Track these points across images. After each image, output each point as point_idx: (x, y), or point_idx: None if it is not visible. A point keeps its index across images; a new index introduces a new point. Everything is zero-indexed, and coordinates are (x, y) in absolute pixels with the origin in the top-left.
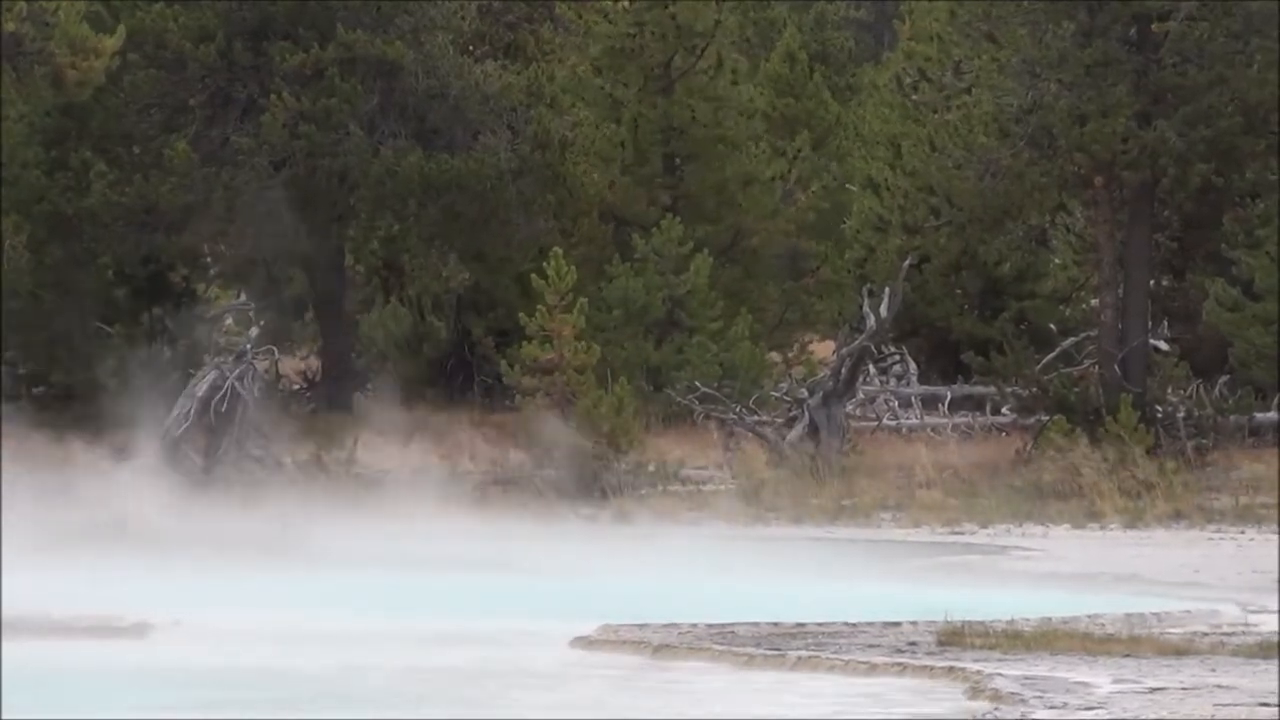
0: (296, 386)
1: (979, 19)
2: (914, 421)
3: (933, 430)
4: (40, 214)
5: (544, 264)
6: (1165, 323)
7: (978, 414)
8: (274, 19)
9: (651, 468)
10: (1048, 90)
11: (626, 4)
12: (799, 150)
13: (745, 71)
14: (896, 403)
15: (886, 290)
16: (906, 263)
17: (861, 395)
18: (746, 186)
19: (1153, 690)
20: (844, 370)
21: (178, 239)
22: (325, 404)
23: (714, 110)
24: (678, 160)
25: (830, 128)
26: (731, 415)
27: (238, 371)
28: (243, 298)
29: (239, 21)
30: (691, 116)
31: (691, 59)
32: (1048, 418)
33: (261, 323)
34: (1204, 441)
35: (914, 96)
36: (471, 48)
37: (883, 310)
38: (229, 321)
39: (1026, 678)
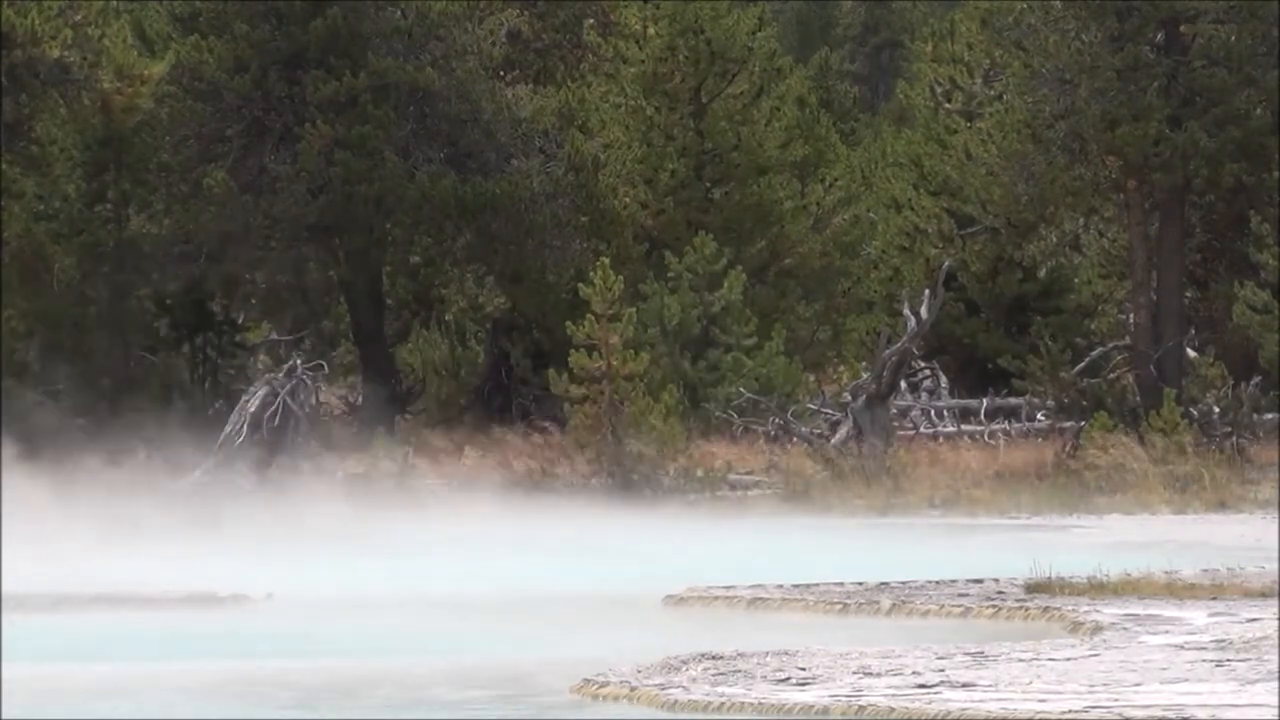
0: (338, 412)
1: (1010, 27)
2: (951, 429)
3: (970, 437)
4: (81, 245)
5: (580, 284)
6: (1193, 331)
7: (1013, 422)
8: (307, 49)
9: (700, 474)
10: (1079, 95)
11: (655, 30)
12: (836, 178)
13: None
14: (932, 413)
15: (926, 293)
16: (945, 264)
17: (895, 410)
18: (779, 208)
19: (1249, 621)
20: (886, 372)
21: (217, 268)
22: (367, 428)
23: (747, 133)
24: (709, 184)
25: (841, 171)
26: (769, 429)
27: (289, 387)
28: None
29: (273, 52)
30: (732, 144)
31: (724, 83)
32: (1084, 421)
33: (299, 356)
34: (1243, 439)
35: (947, 105)
36: (502, 73)
37: (924, 312)
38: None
39: (1124, 614)
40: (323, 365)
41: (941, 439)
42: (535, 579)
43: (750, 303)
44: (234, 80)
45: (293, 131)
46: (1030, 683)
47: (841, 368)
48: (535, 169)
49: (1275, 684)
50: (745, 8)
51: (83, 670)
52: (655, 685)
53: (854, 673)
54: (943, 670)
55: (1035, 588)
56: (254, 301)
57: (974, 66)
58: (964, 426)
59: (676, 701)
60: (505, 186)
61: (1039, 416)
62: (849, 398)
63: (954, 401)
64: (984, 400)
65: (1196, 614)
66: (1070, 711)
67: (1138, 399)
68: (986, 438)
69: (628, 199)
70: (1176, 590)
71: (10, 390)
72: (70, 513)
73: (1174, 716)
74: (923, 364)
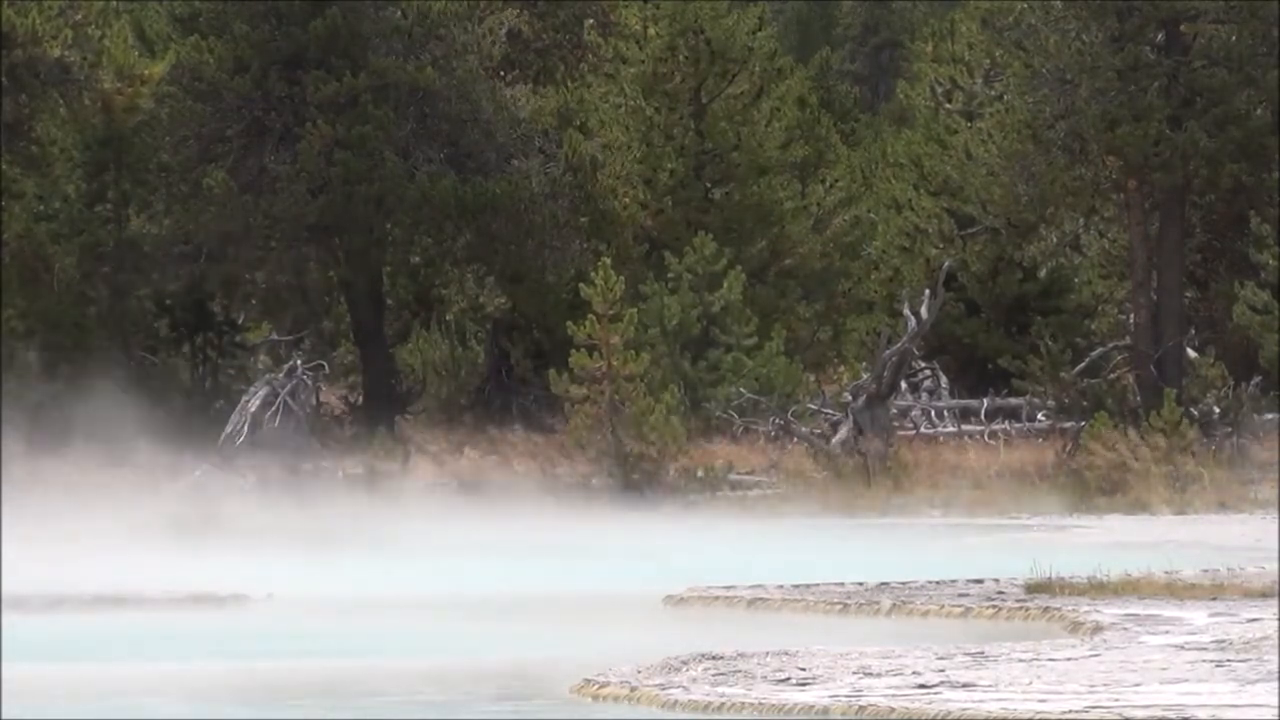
0: (338, 412)
1: (1010, 27)
2: (951, 429)
3: (970, 437)
4: (81, 245)
5: (580, 284)
6: (1193, 331)
7: (1013, 422)
8: (307, 49)
9: (700, 473)
10: (1079, 95)
11: (655, 30)
12: (836, 179)
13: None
14: (932, 413)
15: (926, 293)
16: (946, 264)
17: (895, 410)
18: (779, 208)
19: (1249, 621)
20: (886, 372)
21: (217, 268)
22: (367, 428)
23: (747, 133)
24: (708, 184)
25: (841, 171)
26: (769, 428)
27: (289, 387)
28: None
29: (273, 52)
30: (732, 144)
31: (724, 83)
32: (1084, 421)
33: (299, 356)
34: (1243, 439)
35: (947, 105)
36: (502, 73)
37: (924, 312)
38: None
39: (1124, 614)
40: (323, 365)
41: (941, 439)
42: (535, 579)
43: (750, 303)
44: (234, 80)
45: (293, 131)
46: (1030, 683)
47: (841, 368)
48: (535, 169)
49: (1275, 684)
50: (745, 8)
51: (83, 670)
52: (655, 685)
53: (854, 673)
54: (943, 670)
55: (1035, 588)
56: (254, 301)
57: (974, 66)
58: (964, 426)
59: (676, 701)
60: (505, 186)
61: (1039, 416)
62: (849, 398)
63: (954, 401)
64: (984, 400)
65: (1196, 614)
66: (1070, 711)
67: (1138, 399)
68: (986, 438)
69: (627, 199)
70: (1176, 590)
71: (10, 390)
72: (70, 513)
73: (1174, 716)
74: (923, 364)
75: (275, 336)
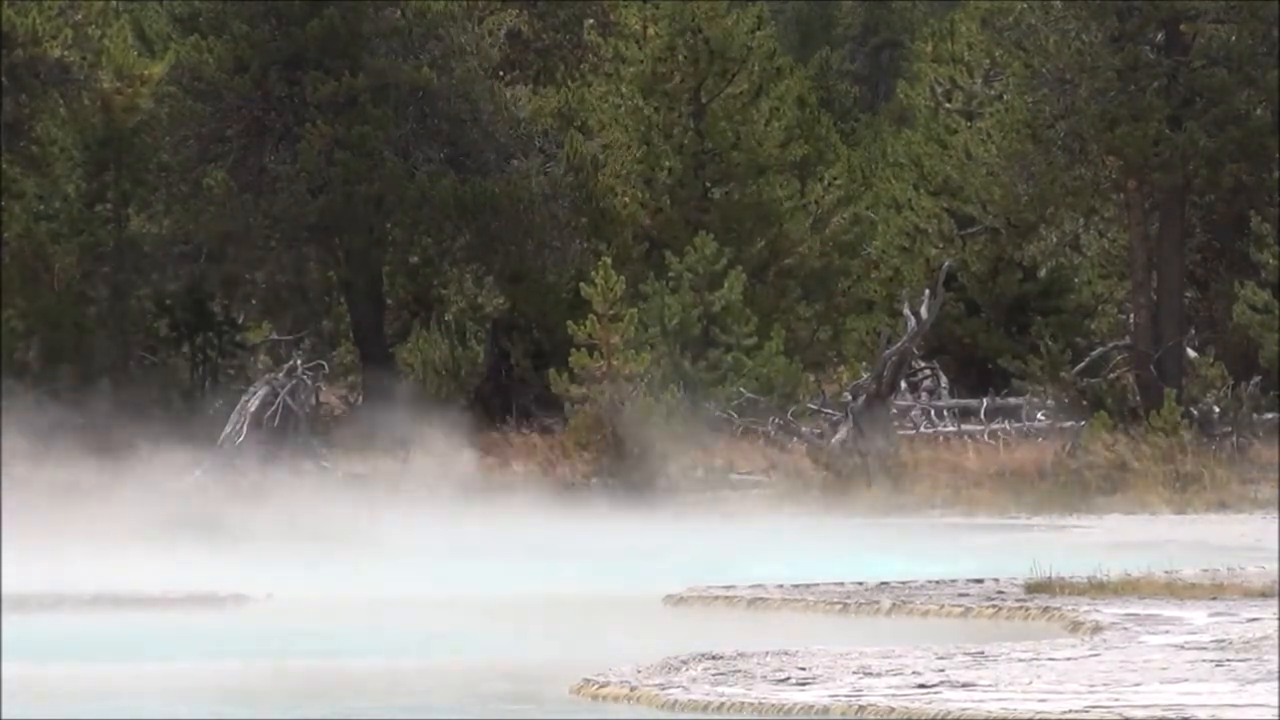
0: (338, 412)
1: (1010, 27)
2: (951, 429)
3: (970, 437)
4: (81, 245)
5: (580, 284)
6: (1193, 331)
7: (1013, 422)
8: (306, 49)
9: (700, 473)
10: (1079, 95)
11: (655, 30)
12: (835, 177)
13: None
14: (932, 413)
15: (926, 293)
16: (945, 264)
17: (895, 410)
18: (779, 208)
19: (1249, 621)
20: (886, 372)
21: (217, 268)
22: (367, 429)
23: (747, 133)
24: (708, 184)
25: (841, 171)
26: (769, 429)
27: (289, 387)
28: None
29: (273, 52)
30: (731, 143)
31: (723, 83)
32: (1084, 421)
33: (299, 356)
34: (1243, 439)
35: (947, 105)
36: (502, 73)
37: (924, 312)
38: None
39: (1124, 614)
40: (323, 365)
41: (942, 439)
42: (535, 579)
43: (750, 303)
44: (234, 80)
45: (293, 131)
46: (1030, 683)
47: (841, 368)
48: (535, 169)
49: (1275, 684)
50: (745, 7)
51: (83, 670)
52: (655, 685)
53: (854, 673)
54: (943, 670)
55: (1035, 588)
56: (254, 301)
57: (974, 66)
58: (964, 426)
59: (676, 701)
60: (505, 186)
61: (1039, 416)
62: (849, 398)
63: (954, 401)
64: (984, 400)
65: (1196, 614)
66: (1070, 711)
67: (1138, 399)
68: (986, 438)
69: (627, 199)
70: (1176, 590)
71: (10, 390)
72: (70, 513)
73: (1174, 716)
74: (923, 364)
75: (275, 336)
